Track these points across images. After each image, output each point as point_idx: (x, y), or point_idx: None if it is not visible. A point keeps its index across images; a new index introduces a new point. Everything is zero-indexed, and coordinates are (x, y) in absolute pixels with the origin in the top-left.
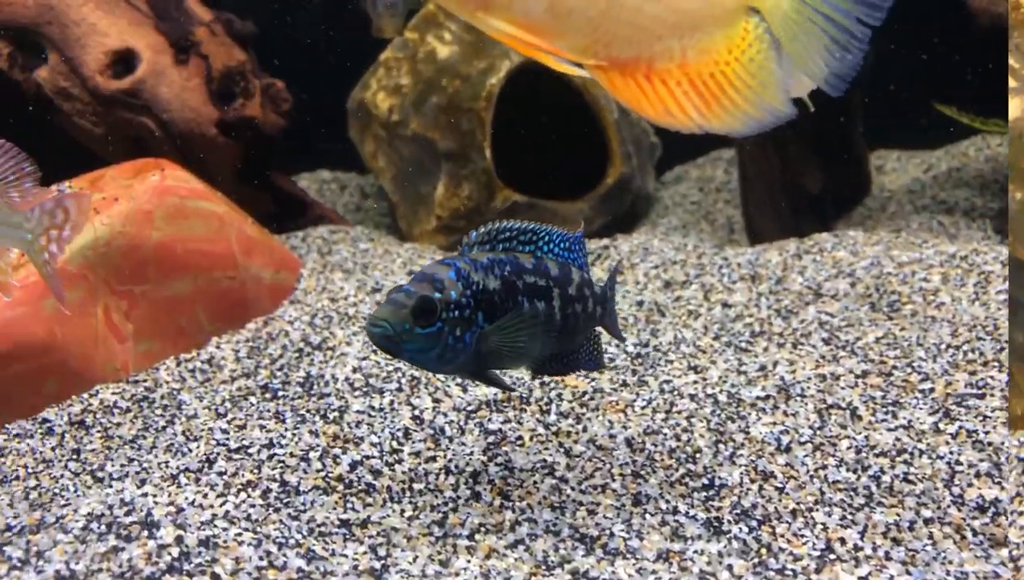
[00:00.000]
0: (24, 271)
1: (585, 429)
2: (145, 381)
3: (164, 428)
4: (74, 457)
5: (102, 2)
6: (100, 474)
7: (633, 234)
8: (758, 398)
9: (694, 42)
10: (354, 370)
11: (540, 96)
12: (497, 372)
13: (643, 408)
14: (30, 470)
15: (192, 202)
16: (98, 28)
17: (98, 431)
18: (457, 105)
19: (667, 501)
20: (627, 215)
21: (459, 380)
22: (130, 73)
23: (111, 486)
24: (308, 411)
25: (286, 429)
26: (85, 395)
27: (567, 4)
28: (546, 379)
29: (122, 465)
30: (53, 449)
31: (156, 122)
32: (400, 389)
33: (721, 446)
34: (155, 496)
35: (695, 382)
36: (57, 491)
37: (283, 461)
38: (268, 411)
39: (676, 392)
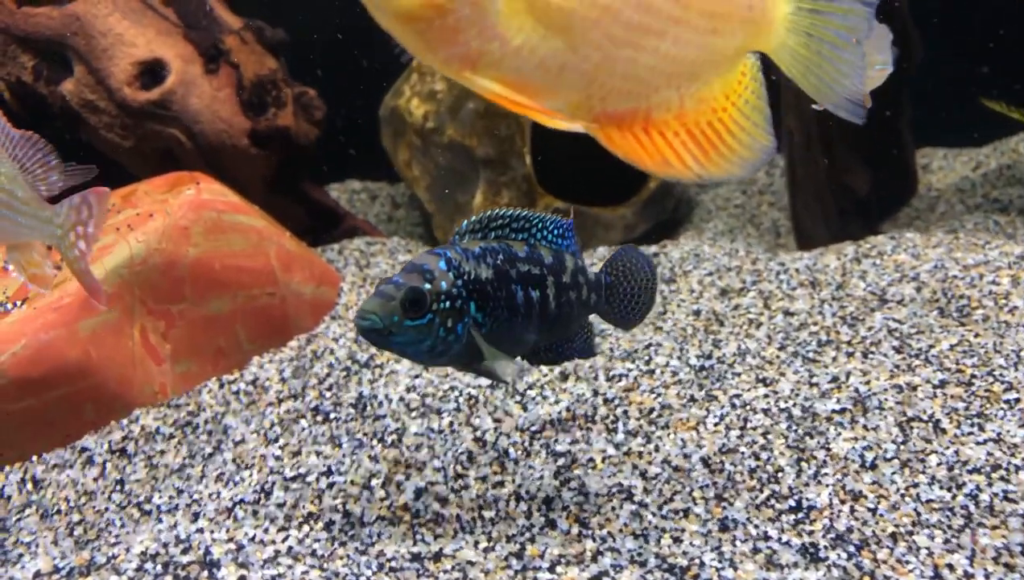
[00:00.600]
0: (57, 292)
1: (657, 448)
2: (187, 405)
3: (211, 455)
4: (118, 488)
5: (129, 11)
6: (148, 507)
7: (680, 239)
8: (834, 411)
9: (692, 91)
10: (408, 389)
11: None
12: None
13: (716, 425)
14: (72, 503)
15: (230, 216)
16: (125, 38)
17: (141, 459)
18: (495, 110)
19: (756, 526)
20: (669, 220)
21: (519, 398)
22: (159, 84)
23: (162, 520)
24: (365, 434)
25: (344, 455)
26: (124, 421)
27: (559, 59)
28: (608, 396)
29: (171, 497)
30: (95, 480)
31: (186, 134)
32: (459, 409)
33: (803, 464)
34: (212, 531)
35: (766, 396)
36: (103, 526)
37: (344, 490)
38: (323, 435)
39: (748, 407)
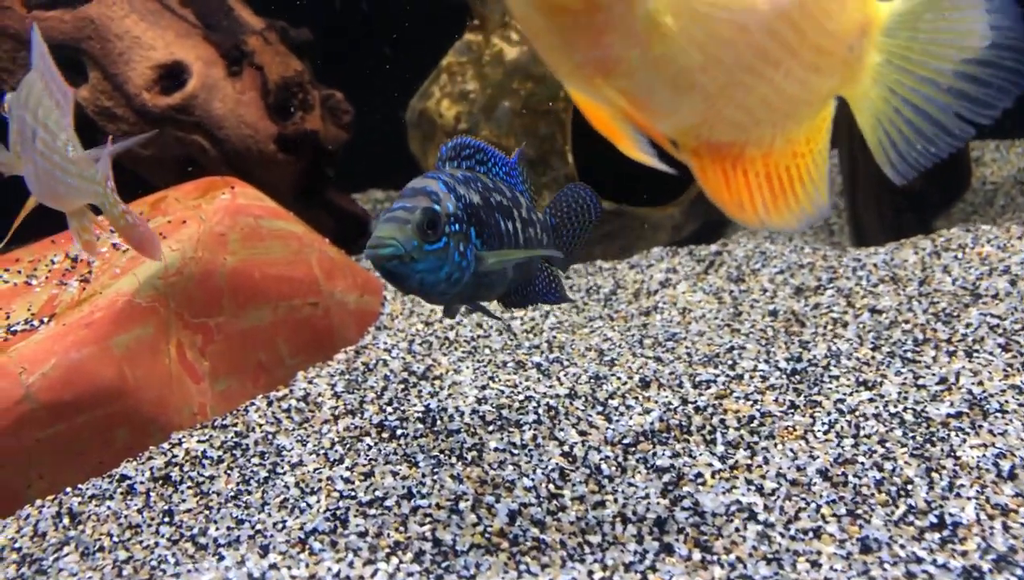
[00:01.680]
0: (88, 306)
1: (766, 461)
2: (234, 425)
3: (267, 480)
4: (166, 520)
5: (146, 13)
6: (203, 540)
7: (738, 238)
8: (950, 416)
9: (785, 131)
10: (478, 401)
11: None
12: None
13: (825, 433)
14: (116, 539)
15: (268, 222)
16: (143, 41)
17: (189, 487)
18: (533, 108)
19: (901, 546)
20: (716, 220)
21: (600, 409)
22: (179, 88)
23: (223, 556)
24: (441, 452)
25: (423, 475)
26: (165, 445)
27: (690, 77)
28: (700, 404)
29: (229, 528)
30: (139, 511)
31: (209, 140)
32: (539, 421)
33: (934, 475)
34: (289, 567)
35: (871, 400)
36: (155, 564)
37: (430, 514)
38: (394, 454)
39: (856, 413)
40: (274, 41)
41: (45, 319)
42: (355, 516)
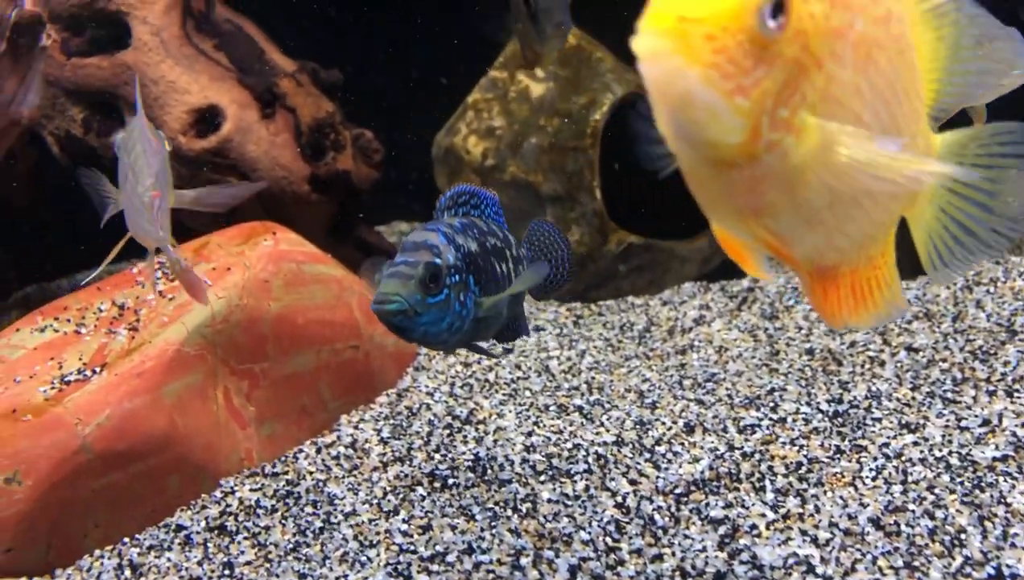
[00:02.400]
0: (139, 356)
1: (817, 509)
2: (285, 473)
3: (323, 530)
4: (227, 573)
5: (181, 58)
6: None
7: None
8: (996, 460)
9: (868, 250)
10: (527, 449)
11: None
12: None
13: (873, 479)
14: None
15: (310, 267)
16: (178, 85)
17: (245, 537)
18: (560, 145)
19: None
20: None
21: (648, 456)
22: (214, 131)
23: None
24: (496, 504)
25: (481, 528)
26: (218, 493)
27: (819, 216)
28: (746, 450)
29: None
30: (199, 563)
31: (244, 181)
32: (589, 470)
33: (987, 524)
34: None
35: (916, 443)
36: None
37: (493, 570)
38: (449, 505)
39: (902, 457)
40: (306, 83)
41: (97, 369)
42: (418, 572)
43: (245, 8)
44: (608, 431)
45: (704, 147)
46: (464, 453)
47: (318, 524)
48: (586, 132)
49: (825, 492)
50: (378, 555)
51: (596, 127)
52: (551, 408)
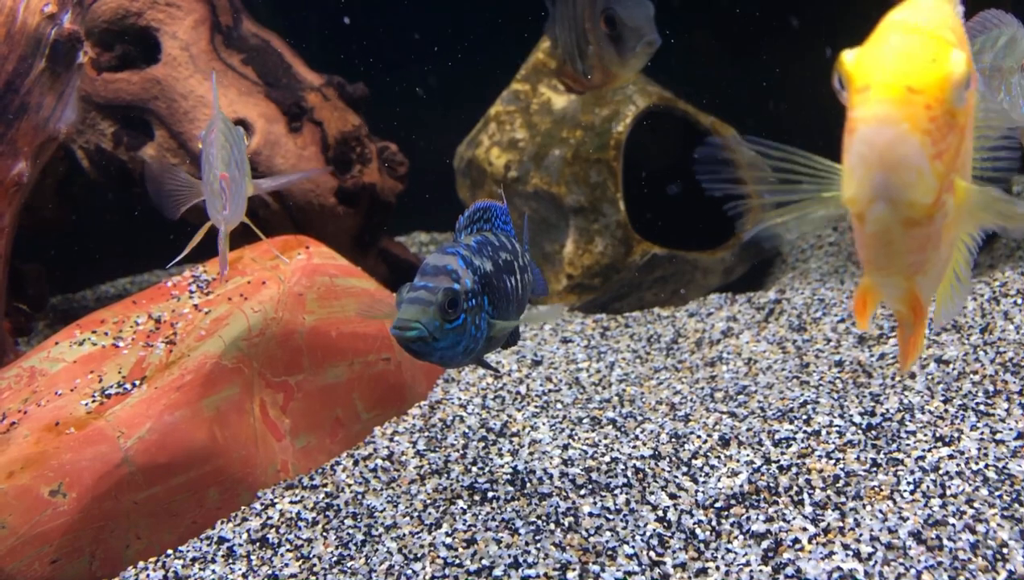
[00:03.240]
0: (178, 369)
1: (857, 523)
2: (324, 485)
3: (365, 543)
4: None
5: (210, 73)
6: None
7: (793, 283)
8: None
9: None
10: (564, 462)
11: (659, 139)
12: None
13: (912, 493)
14: None
15: (342, 280)
16: (207, 100)
17: (288, 550)
18: (584, 157)
19: None
20: (762, 261)
21: (685, 469)
22: None
23: None
24: (539, 517)
25: (526, 542)
26: (258, 505)
27: (943, 267)
28: (783, 464)
29: None
30: (244, 576)
31: (272, 194)
32: (629, 484)
33: None
34: None
35: (951, 457)
36: None
37: None
38: (491, 519)
39: (939, 471)
40: (332, 97)
41: (137, 382)
42: None
43: (271, 22)
44: (645, 444)
45: (904, 207)
46: (502, 466)
47: (359, 537)
48: (609, 144)
49: (864, 506)
50: (423, 568)
51: (619, 139)
52: (584, 421)
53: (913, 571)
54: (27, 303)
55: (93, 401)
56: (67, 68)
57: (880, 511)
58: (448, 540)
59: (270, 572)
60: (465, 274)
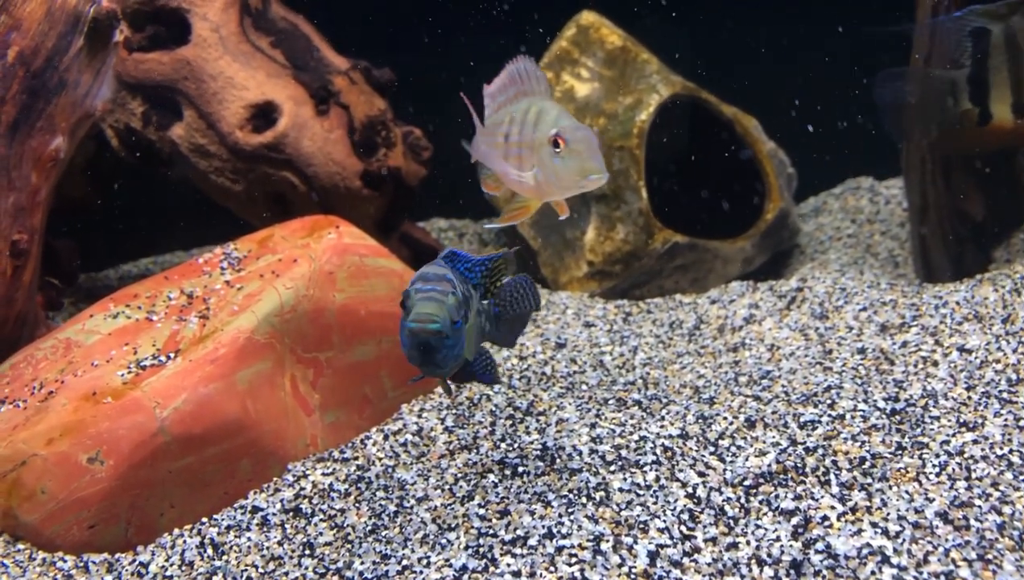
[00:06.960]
0: (212, 343)
1: (884, 503)
2: (356, 458)
3: (398, 514)
4: (307, 553)
5: (239, 54)
6: (348, 573)
7: (815, 272)
8: None
9: None
10: (593, 439)
11: (682, 128)
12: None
13: (937, 475)
14: (261, 570)
15: (372, 260)
16: (236, 81)
17: (322, 519)
18: (606, 144)
19: None
20: (781, 251)
21: (713, 449)
22: (270, 127)
23: None
24: (570, 491)
25: (559, 515)
26: (290, 477)
27: None
28: (809, 445)
29: (374, 563)
30: (280, 543)
31: (299, 177)
32: (658, 462)
33: None
34: None
35: (975, 442)
36: None
37: (575, 554)
38: (523, 491)
39: (964, 454)
40: (359, 81)
41: (171, 354)
42: (502, 555)
43: (298, 5)
44: (672, 425)
45: None
46: (531, 442)
47: (392, 508)
48: (632, 132)
49: (890, 487)
50: (458, 538)
51: (642, 127)
52: (610, 402)
53: (941, 549)
54: (59, 278)
55: (129, 372)
56: (104, 46)
57: (906, 492)
58: (481, 511)
59: (305, 540)
60: (456, 285)
